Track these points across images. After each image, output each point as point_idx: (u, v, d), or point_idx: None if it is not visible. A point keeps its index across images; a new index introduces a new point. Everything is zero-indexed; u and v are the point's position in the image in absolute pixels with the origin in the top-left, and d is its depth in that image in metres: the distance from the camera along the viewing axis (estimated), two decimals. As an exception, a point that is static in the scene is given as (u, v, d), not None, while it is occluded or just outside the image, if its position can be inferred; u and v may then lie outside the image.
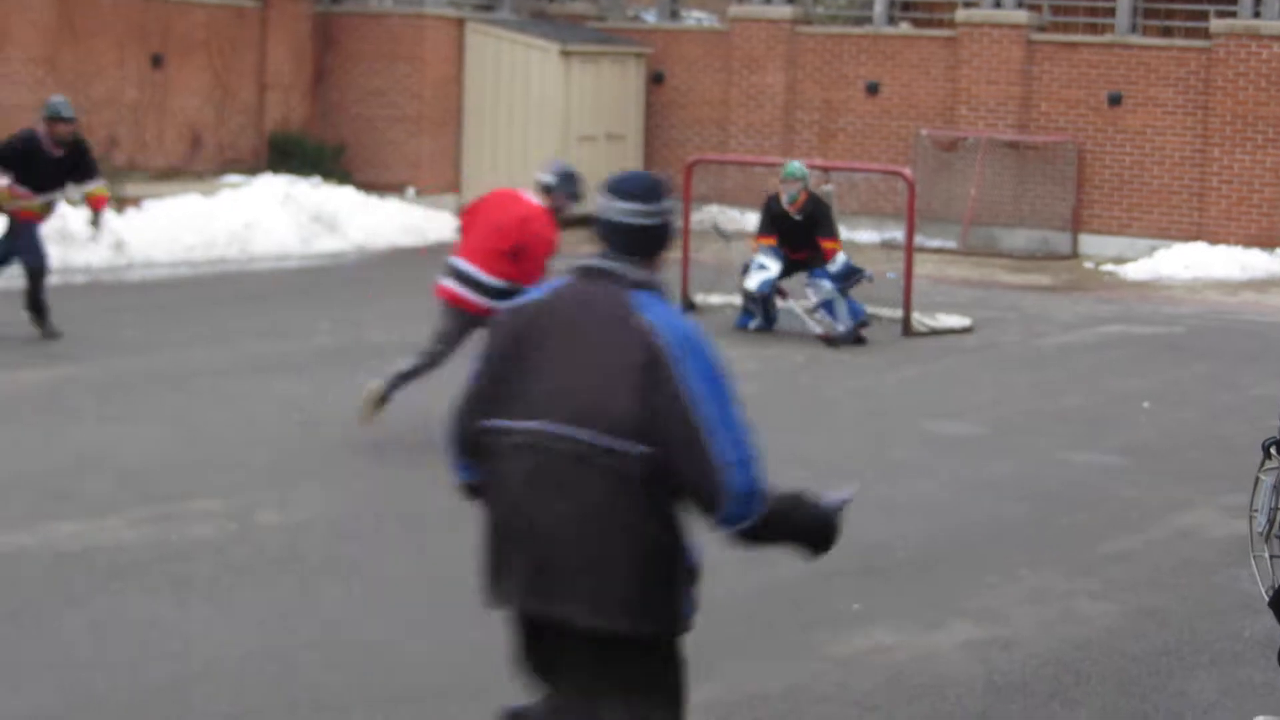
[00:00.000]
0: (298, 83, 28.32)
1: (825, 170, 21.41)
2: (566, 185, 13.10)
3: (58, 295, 18.69)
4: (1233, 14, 26.23)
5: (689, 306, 18.82)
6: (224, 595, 9.03)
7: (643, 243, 5.67)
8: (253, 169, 27.16)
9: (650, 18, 32.32)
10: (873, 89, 28.20)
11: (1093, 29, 28.01)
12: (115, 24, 25.74)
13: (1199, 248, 25.36)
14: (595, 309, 5.61)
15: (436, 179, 28.17)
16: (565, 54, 27.83)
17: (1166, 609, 9.45)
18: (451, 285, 13.07)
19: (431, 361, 13.12)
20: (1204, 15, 26.81)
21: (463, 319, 12.96)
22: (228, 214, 23.61)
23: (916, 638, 8.80)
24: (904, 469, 12.54)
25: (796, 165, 18.61)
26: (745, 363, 16.65)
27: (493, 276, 12.82)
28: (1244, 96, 25.78)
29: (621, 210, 5.66)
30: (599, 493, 5.49)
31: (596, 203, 5.77)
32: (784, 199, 18.33)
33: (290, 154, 27.50)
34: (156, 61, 26.28)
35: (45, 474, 11.40)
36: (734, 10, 29.41)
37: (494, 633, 8.57)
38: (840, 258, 18.25)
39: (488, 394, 5.75)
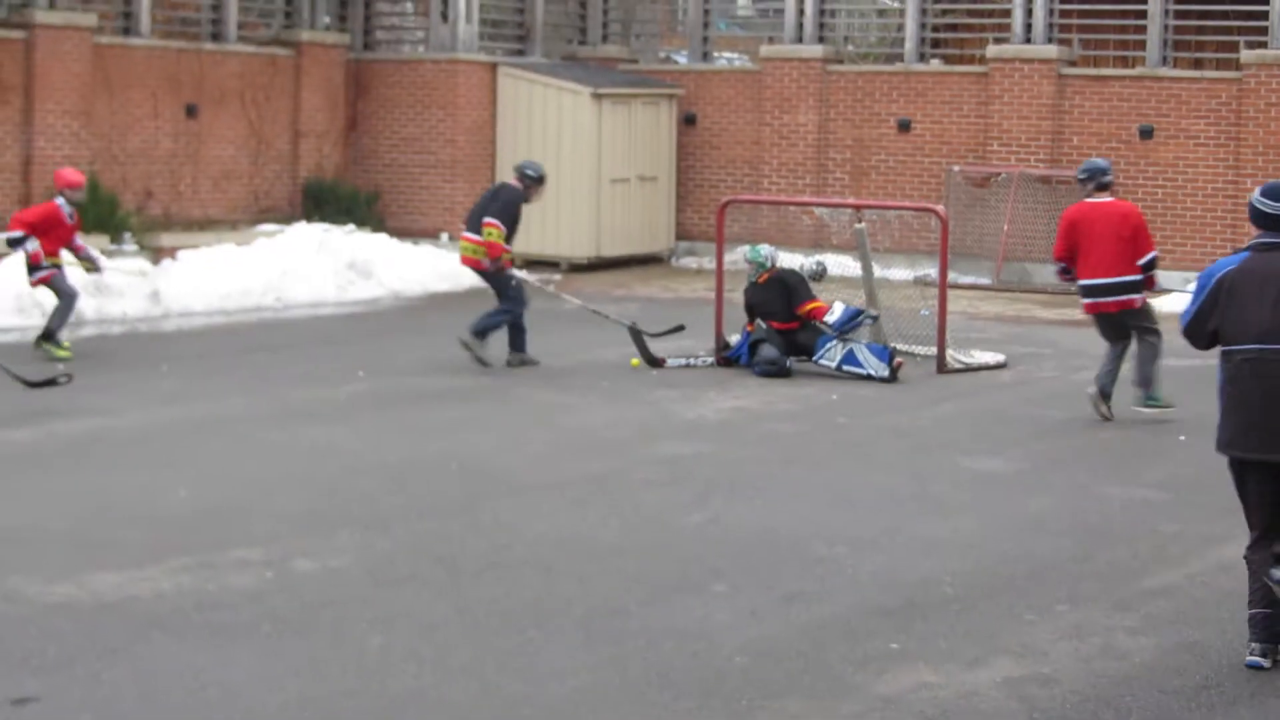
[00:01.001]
0: (331, 130, 28.45)
1: (858, 209, 21.42)
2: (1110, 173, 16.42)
3: (94, 345, 18.81)
4: (1263, 44, 26.21)
5: (724, 350, 18.87)
6: (263, 644, 9.04)
7: None
8: (288, 217, 27.26)
9: (682, 59, 32.43)
10: (904, 126, 28.23)
11: (1123, 62, 28.01)
12: (149, 75, 25.89)
13: (1234, 279, 25.26)
14: (1278, 268, 8.93)
15: (470, 224, 28.21)
16: (597, 96, 27.91)
17: (1207, 643, 9.42)
18: (1105, 300, 15.98)
19: (1121, 355, 16.34)
20: (1234, 46, 26.79)
21: (1122, 317, 16.09)
22: (263, 262, 23.70)
23: (958, 675, 8.78)
24: (943, 506, 12.52)
25: (758, 251, 18.88)
26: (782, 403, 16.67)
27: (1134, 275, 15.95)
28: (1275, 127, 25.75)
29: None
30: None
31: (1258, 202, 9.07)
32: (750, 274, 18.92)
33: (325, 201, 27.62)
34: (190, 111, 26.42)
35: (84, 524, 11.44)
36: (765, 50, 29.49)
37: (533, 680, 8.59)
38: (838, 307, 18.34)
39: (1207, 329, 9.14)
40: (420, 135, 28.48)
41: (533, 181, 18.93)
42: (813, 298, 18.53)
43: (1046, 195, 27.06)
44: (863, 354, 18.08)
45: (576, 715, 8.18)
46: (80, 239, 19.01)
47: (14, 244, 18.53)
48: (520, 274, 18.93)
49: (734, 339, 18.86)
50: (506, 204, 18.69)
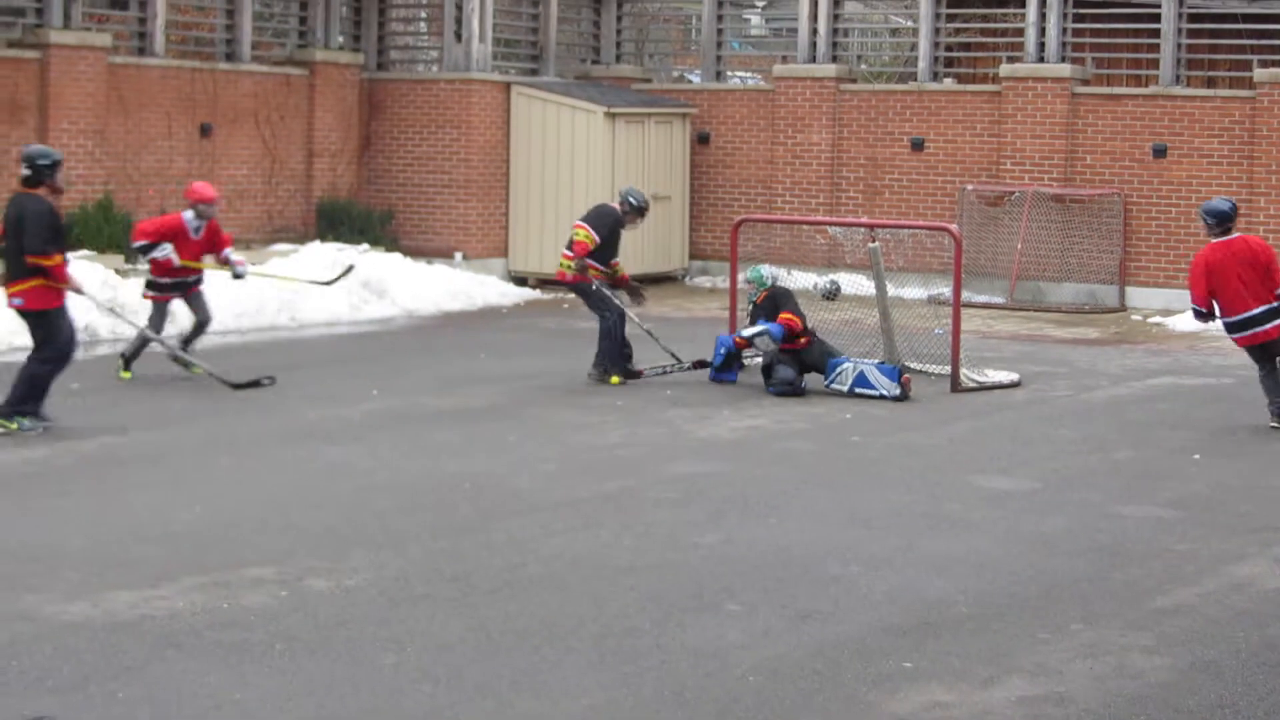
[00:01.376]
0: (345, 150, 28.51)
1: (871, 228, 21.43)
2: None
3: (110, 364, 18.84)
4: (1277, 63, 26.22)
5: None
6: (278, 663, 9.06)
7: None
8: (301, 237, 27.33)
9: (695, 78, 32.49)
10: (918, 145, 28.25)
11: (1136, 81, 28.03)
12: (163, 95, 25.97)
13: (1248, 298, 25.27)
14: None
15: (484, 244, 28.30)
16: (610, 115, 27.96)
17: (1221, 662, 9.41)
18: (1260, 329, 16.67)
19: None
20: (1247, 65, 26.81)
21: (1273, 344, 16.73)
22: (277, 281, 23.73)
23: (972, 694, 8.79)
24: (956, 525, 12.52)
25: (758, 271, 18.94)
26: (795, 421, 16.67)
27: (1277, 303, 16.62)
28: (1290, 146, 25.75)
29: None
30: None
31: None
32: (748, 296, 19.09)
33: (339, 221, 27.68)
34: (205, 131, 26.50)
35: (99, 542, 11.46)
36: (778, 70, 29.54)
37: (547, 699, 8.60)
38: (760, 325, 18.45)
39: None
40: (434, 155, 28.54)
41: (633, 209, 19.23)
42: (790, 310, 18.51)
43: (1060, 214, 27.07)
44: (873, 375, 18.10)
45: (590, 734, 8.20)
46: (229, 247, 19.07)
47: (145, 251, 18.39)
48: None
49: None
50: (601, 216, 19.13)
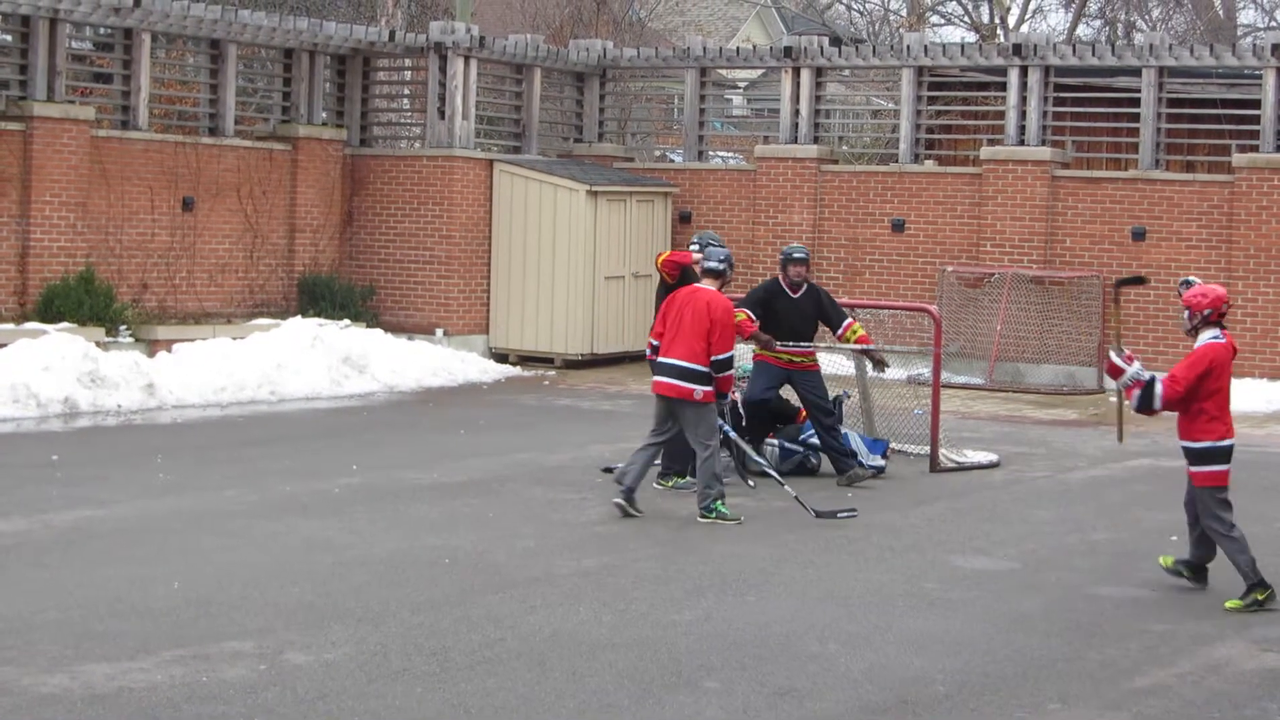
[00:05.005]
0: (327, 225, 28.58)
1: (851, 308, 21.49)
2: None
3: (89, 436, 18.82)
4: (1254, 148, 26.39)
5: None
6: (256, 736, 9.05)
7: None
8: (283, 311, 27.36)
9: (677, 158, 32.63)
10: (898, 226, 28.38)
11: (1116, 164, 28.19)
12: (146, 168, 26.04)
13: (1225, 381, 25.35)
14: None
15: (465, 320, 28.34)
16: (593, 194, 28.06)
17: (1198, 743, 9.43)
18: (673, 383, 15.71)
19: None
20: (1226, 150, 26.98)
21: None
22: (258, 356, 23.78)
23: (948, 774, 8.79)
24: (934, 604, 12.54)
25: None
26: (774, 499, 16.68)
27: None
28: (1267, 230, 25.90)
29: None
30: None
31: None
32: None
33: (320, 296, 27.72)
34: (187, 205, 26.55)
35: (77, 615, 11.44)
36: (760, 150, 29.68)
37: (525, 772, 8.58)
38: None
39: None
40: (416, 231, 28.61)
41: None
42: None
43: (1039, 296, 27.18)
44: (855, 441, 18.24)
45: (568, 810, 8.18)
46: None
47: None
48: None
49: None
50: (750, 293, 18.58)
